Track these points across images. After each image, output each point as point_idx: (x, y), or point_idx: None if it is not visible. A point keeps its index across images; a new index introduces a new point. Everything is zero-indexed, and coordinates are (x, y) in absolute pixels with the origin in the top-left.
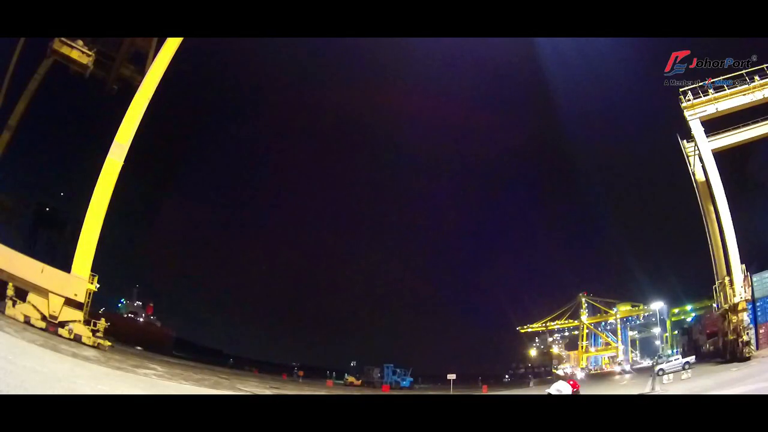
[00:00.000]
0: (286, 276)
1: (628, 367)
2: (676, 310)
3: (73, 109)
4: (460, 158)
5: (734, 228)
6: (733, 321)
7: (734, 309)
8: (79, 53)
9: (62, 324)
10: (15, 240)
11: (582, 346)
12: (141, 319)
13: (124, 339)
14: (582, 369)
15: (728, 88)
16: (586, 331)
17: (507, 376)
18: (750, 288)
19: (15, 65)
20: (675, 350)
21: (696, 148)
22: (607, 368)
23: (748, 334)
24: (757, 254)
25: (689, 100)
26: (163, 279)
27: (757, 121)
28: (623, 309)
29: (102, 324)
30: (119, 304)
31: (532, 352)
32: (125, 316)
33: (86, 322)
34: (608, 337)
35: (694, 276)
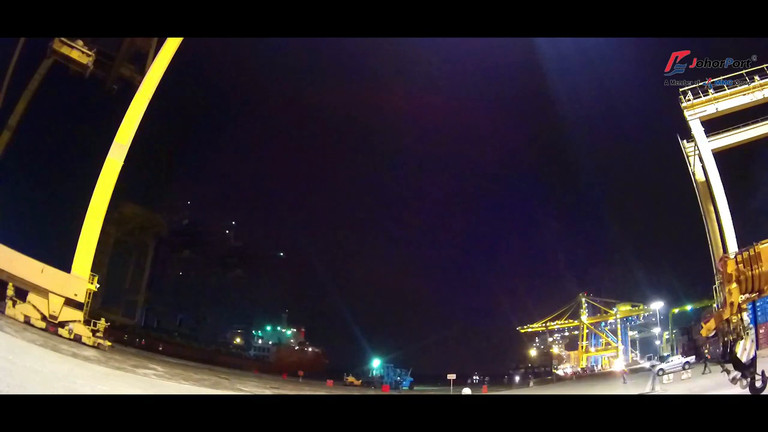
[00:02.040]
0: (283, 277)
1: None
2: (676, 310)
3: (73, 109)
4: (460, 159)
5: (734, 228)
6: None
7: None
8: (79, 53)
9: (62, 324)
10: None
11: (582, 346)
12: (309, 349)
13: (292, 371)
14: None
15: (728, 88)
16: (586, 331)
17: (477, 377)
18: None
19: (15, 65)
20: (675, 350)
21: (696, 148)
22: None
23: (748, 334)
24: None
25: (689, 100)
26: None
27: (757, 121)
28: (623, 309)
29: (102, 324)
30: (256, 333)
31: (532, 352)
32: (296, 348)
33: (86, 322)
34: (608, 337)
35: (694, 276)
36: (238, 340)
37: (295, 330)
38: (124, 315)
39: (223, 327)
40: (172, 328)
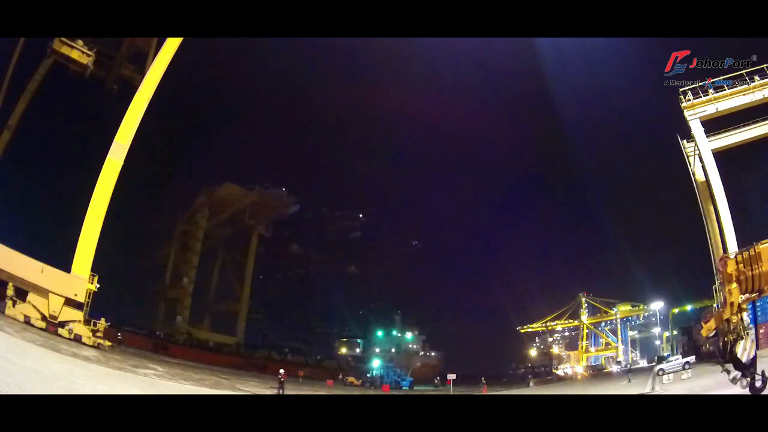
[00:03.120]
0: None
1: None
2: (676, 310)
3: (73, 109)
4: (460, 159)
5: (734, 228)
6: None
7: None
8: (79, 53)
9: (62, 324)
10: None
11: (582, 346)
12: (432, 354)
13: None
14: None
15: (728, 88)
16: (586, 331)
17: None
18: None
19: (15, 65)
20: (675, 350)
21: (696, 148)
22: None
23: (748, 334)
24: None
25: (689, 100)
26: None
27: (757, 121)
28: (623, 309)
29: (102, 324)
30: (357, 340)
31: (532, 352)
32: (420, 353)
33: (85, 323)
34: (608, 337)
35: (694, 276)
36: (344, 350)
37: (414, 333)
38: (216, 329)
39: (334, 336)
40: (280, 342)
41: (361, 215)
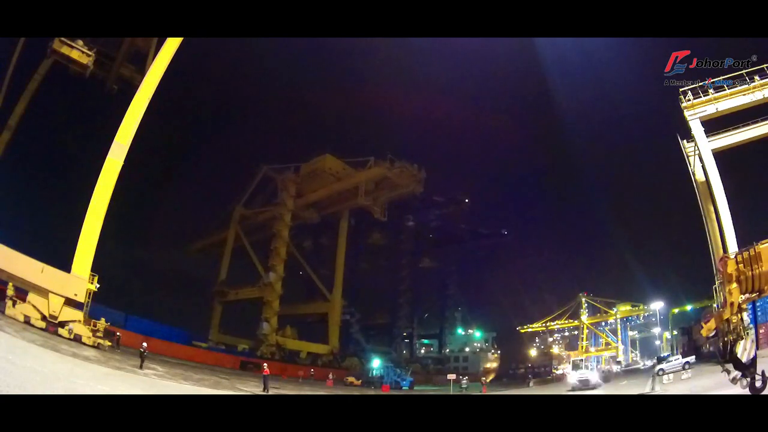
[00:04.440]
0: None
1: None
2: (676, 310)
3: (73, 109)
4: (460, 158)
5: (734, 228)
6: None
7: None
8: (79, 53)
9: (62, 324)
10: None
11: (582, 346)
12: (499, 352)
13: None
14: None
15: (728, 88)
16: (586, 331)
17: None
18: None
19: (15, 65)
20: (675, 350)
21: (696, 148)
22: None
23: (748, 334)
24: None
25: (689, 100)
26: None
27: (757, 121)
28: (623, 309)
29: (102, 324)
30: (426, 341)
31: (532, 352)
32: (491, 352)
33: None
34: (608, 337)
35: (694, 276)
36: (423, 351)
37: (485, 332)
38: (297, 335)
39: (416, 336)
40: (366, 346)
41: (467, 200)
